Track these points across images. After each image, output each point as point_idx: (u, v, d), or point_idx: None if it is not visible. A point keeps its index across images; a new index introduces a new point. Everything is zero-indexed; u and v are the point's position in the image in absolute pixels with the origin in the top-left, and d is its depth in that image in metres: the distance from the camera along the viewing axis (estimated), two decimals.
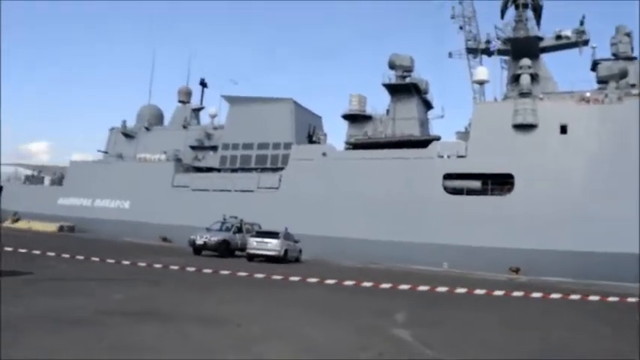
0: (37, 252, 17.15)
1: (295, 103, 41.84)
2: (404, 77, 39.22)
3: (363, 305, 11.12)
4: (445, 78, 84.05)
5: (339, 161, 36.20)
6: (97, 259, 16.20)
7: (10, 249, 8.81)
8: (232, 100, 43.94)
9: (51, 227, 41.99)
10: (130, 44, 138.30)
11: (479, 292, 13.47)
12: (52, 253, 15.36)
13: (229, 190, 39.27)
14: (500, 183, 31.58)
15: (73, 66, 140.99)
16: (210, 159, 44.56)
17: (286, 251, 23.81)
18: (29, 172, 55.26)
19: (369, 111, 40.47)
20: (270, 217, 31.46)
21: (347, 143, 38.88)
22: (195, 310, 8.95)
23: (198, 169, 44.39)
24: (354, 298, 11.98)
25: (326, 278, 14.19)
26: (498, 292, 13.54)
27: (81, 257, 16.40)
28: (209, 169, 43.86)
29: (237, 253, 25.99)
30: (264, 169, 40.49)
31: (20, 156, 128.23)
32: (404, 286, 13.08)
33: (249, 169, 41.13)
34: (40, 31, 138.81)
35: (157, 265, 16.00)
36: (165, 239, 38.61)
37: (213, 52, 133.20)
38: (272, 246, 23.14)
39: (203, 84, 51.42)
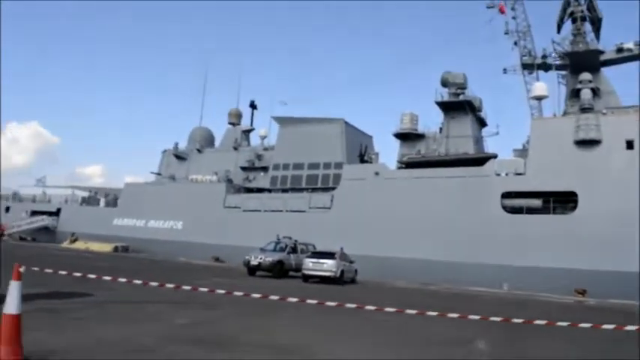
0: (93, 275, 17.18)
1: (346, 122, 41.60)
2: (457, 95, 38.46)
3: (433, 331, 10.50)
4: (498, 94, 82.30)
5: (392, 180, 35.61)
6: (155, 284, 16.06)
7: (79, 274, 8.75)
8: (282, 121, 44.10)
9: (106, 247, 42.81)
10: (182, 67, 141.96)
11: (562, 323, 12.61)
12: (108, 277, 15.34)
13: (281, 211, 39.17)
14: (562, 201, 30.33)
15: (124, 90, 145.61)
16: (261, 180, 44.69)
17: (342, 272, 23.29)
18: (85, 194, 56.79)
19: (421, 129, 39.84)
20: (321, 237, 31.18)
21: (400, 162, 38.26)
22: (264, 337, 8.56)
23: (249, 190, 44.56)
24: (423, 323, 11.35)
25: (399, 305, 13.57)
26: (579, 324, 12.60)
27: (139, 280, 16.32)
28: (260, 190, 43.96)
29: (291, 273, 25.70)
30: (314, 189, 40.28)
31: (76, 179, 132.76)
32: (474, 316, 12.35)
33: (300, 190, 40.99)
34: (94, 56, 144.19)
35: (220, 291, 15.69)
36: (217, 259, 38.72)
37: (263, 74, 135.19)
38: (328, 266, 22.68)
39: (253, 106, 51.90)
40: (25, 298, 6.09)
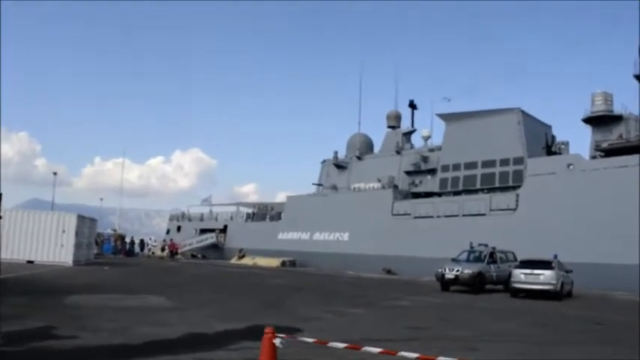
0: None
1: (523, 112, 36.69)
2: None
3: None
4: None
5: (592, 172, 30.21)
6: (357, 310, 13.43)
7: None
8: (449, 117, 40.21)
9: (274, 262, 41.96)
10: (335, 75, 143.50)
11: None
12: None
13: (456, 215, 35.39)
14: None
15: (271, 111, 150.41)
16: (429, 183, 41.15)
17: (562, 284, 19.14)
18: (248, 210, 57.29)
19: (617, 110, 33.86)
20: (506, 243, 26.83)
21: (599, 150, 32.56)
22: None
23: (417, 195, 41.24)
24: None
25: None
26: None
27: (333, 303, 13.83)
28: (428, 194, 40.48)
29: (488, 286, 21.96)
30: (491, 189, 35.93)
31: (234, 197, 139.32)
32: None
33: (475, 191, 36.83)
34: (244, 81, 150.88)
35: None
36: (389, 271, 36.01)
37: (420, 73, 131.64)
38: (546, 278, 18.65)
39: (412, 106, 48.47)
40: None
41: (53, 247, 26.32)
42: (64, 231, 26.53)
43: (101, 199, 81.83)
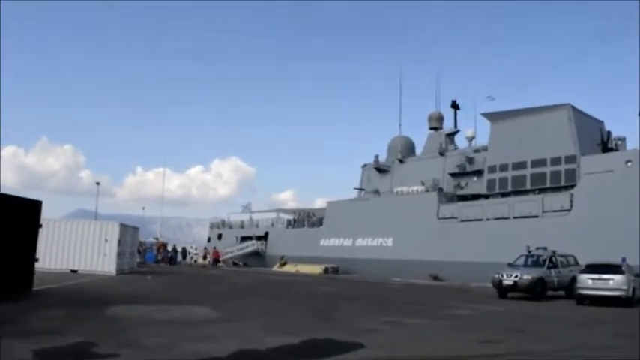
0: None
1: (573, 108, 34.95)
2: None
3: None
4: None
5: None
6: (414, 320, 12.41)
7: None
8: (494, 116, 38.69)
9: (316, 270, 41.19)
10: (374, 77, 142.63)
11: None
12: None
13: (507, 218, 33.90)
14: None
15: (309, 119, 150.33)
16: (475, 185, 39.70)
17: (633, 289, 17.70)
18: (289, 217, 56.70)
19: None
20: (560, 246, 25.32)
21: None
22: None
23: (462, 198, 39.84)
24: None
25: None
26: None
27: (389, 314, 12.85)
28: (474, 197, 39.04)
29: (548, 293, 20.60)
30: (542, 190, 34.31)
31: (273, 204, 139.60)
32: None
33: (525, 192, 35.24)
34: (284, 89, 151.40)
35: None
36: (435, 277, 34.75)
37: (461, 72, 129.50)
38: (615, 283, 17.27)
39: (455, 106, 47.00)
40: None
41: (96, 256, 26.05)
42: (106, 240, 26.27)
43: (143, 209, 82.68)
